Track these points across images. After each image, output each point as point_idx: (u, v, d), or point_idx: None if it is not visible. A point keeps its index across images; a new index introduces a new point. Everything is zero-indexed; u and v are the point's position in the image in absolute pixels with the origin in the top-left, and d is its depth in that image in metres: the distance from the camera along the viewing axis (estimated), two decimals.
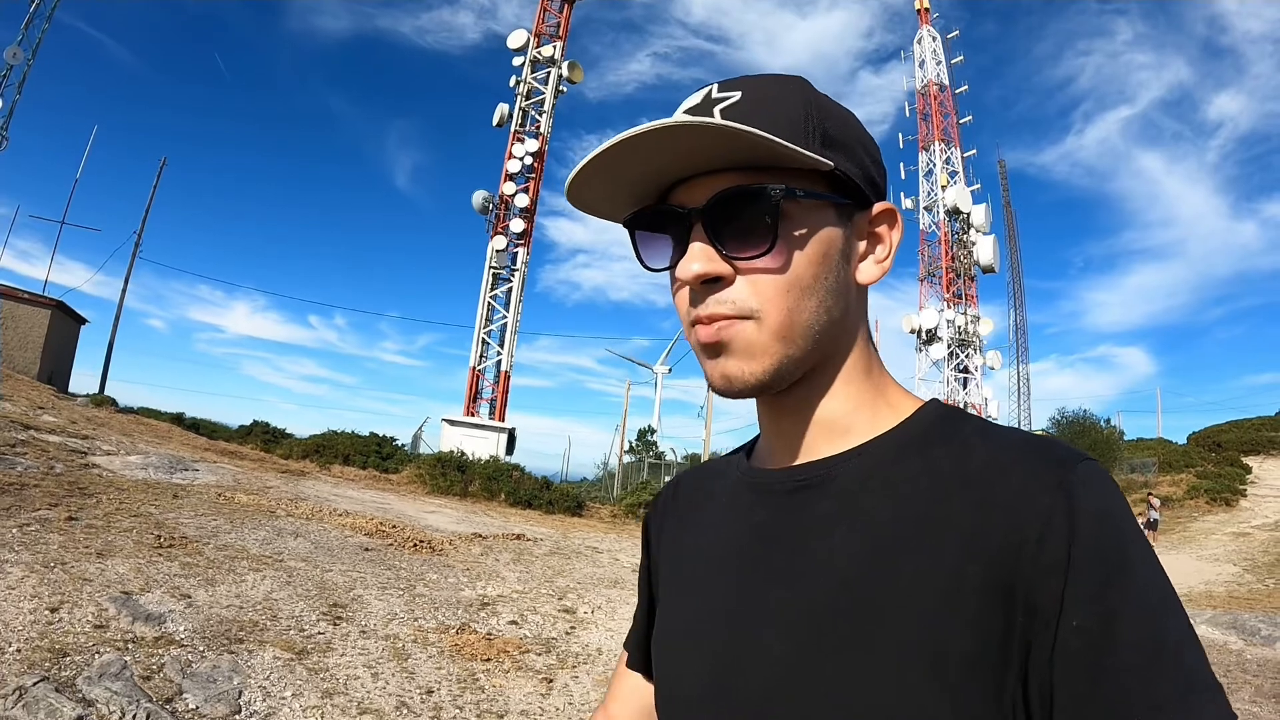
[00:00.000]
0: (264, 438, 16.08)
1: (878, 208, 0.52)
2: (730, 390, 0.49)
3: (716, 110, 0.47)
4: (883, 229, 0.53)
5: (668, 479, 19.54)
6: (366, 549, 6.44)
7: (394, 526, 7.86)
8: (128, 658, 3.16)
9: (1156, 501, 15.50)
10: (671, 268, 0.51)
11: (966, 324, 23.31)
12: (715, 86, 0.50)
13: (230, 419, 18.30)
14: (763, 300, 0.47)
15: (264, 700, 3.08)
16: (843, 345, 0.52)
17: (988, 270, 23.54)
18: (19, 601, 3.51)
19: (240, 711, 2.95)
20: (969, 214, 23.70)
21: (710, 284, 0.48)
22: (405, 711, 3.25)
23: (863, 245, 0.52)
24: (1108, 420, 22.43)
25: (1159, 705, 0.37)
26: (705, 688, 0.50)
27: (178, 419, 16.12)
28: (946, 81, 25.79)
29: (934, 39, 26.21)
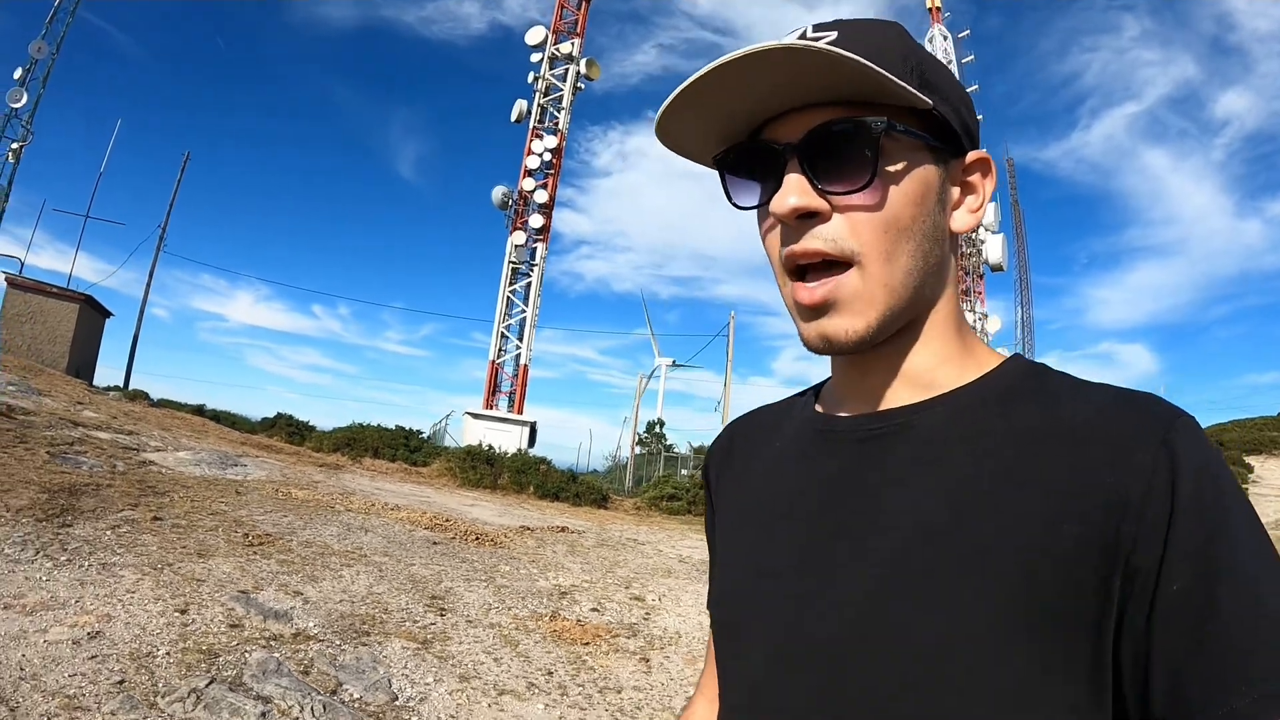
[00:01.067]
0: (288, 430, 16.28)
1: (972, 155, 0.52)
2: (828, 350, 0.49)
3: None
4: (976, 178, 0.52)
5: (684, 472, 19.68)
6: (434, 543, 6.70)
7: (447, 520, 8.12)
8: (276, 654, 3.35)
9: None
10: (763, 205, 0.49)
11: (975, 321, 23.73)
12: (810, 27, 0.48)
13: (234, 408, 18.40)
14: (861, 240, 0.46)
15: (413, 687, 3.35)
16: (937, 295, 0.51)
17: (996, 269, 23.92)
18: (144, 604, 3.63)
19: (397, 698, 3.21)
20: None
21: (805, 220, 0.47)
22: (536, 690, 3.53)
23: (957, 192, 0.51)
24: None
25: (1256, 678, 0.37)
26: (776, 641, 0.49)
27: (199, 410, 16.30)
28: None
29: (945, 38, 26.40)
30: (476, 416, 17.13)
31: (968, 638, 0.41)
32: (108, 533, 4.82)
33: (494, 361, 19.10)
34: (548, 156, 19.52)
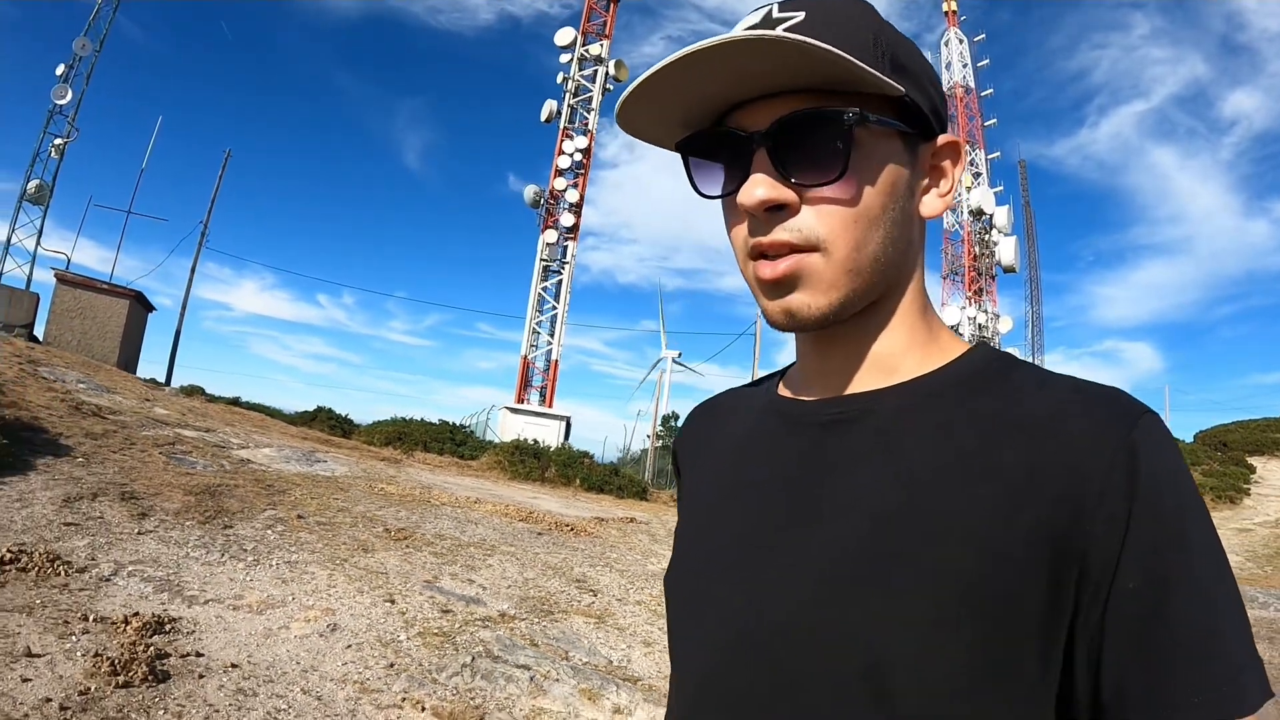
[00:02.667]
0: (329, 424, 16.65)
1: (941, 140, 0.51)
2: (791, 326, 0.48)
3: (780, 29, 0.44)
4: (945, 163, 0.51)
5: None
6: (538, 534, 7.24)
7: (530, 513, 8.63)
8: (499, 632, 3.76)
9: None
10: (727, 195, 0.49)
11: (987, 321, 24.51)
12: (776, 6, 0.46)
13: (247, 396, 18.44)
14: (830, 231, 0.45)
15: (614, 652, 3.92)
16: (903, 281, 0.51)
17: (1009, 270, 24.64)
18: (354, 598, 3.90)
19: (611, 660, 3.78)
20: (992, 215, 24.70)
21: (773, 212, 0.46)
22: None
23: (926, 178, 0.51)
24: None
25: (1205, 684, 0.37)
26: (723, 622, 0.49)
27: (235, 402, 16.62)
28: (972, 84, 26.72)
29: (960, 41, 27.02)
30: (514, 411, 17.66)
31: (909, 626, 0.41)
32: (268, 532, 5.05)
33: (525, 357, 19.62)
34: (578, 157, 20.00)
